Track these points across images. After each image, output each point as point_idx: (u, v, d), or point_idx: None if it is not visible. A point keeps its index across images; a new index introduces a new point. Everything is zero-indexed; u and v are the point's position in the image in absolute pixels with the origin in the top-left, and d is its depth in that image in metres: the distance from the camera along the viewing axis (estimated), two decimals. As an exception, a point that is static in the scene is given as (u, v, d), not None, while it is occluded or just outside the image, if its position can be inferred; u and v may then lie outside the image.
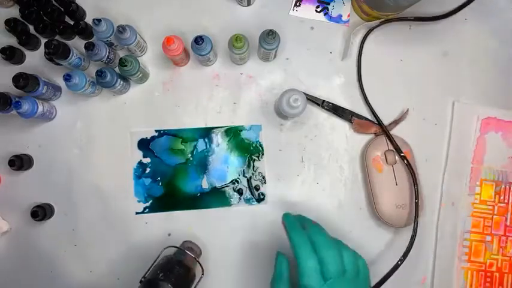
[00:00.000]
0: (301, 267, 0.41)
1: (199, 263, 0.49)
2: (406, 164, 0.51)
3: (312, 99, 0.54)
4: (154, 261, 0.48)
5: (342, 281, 0.41)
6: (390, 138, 0.53)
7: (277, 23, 0.54)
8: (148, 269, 0.47)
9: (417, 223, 0.50)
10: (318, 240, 0.42)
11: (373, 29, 0.55)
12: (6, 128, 0.54)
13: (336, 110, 0.54)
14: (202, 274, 0.49)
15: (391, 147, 0.53)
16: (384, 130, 0.53)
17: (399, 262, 0.47)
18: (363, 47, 0.55)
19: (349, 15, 0.56)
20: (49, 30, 0.53)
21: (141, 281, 0.46)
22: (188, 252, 0.49)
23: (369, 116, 0.55)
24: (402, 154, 0.52)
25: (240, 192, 0.54)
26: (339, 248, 0.43)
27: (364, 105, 0.55)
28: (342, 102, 0.55)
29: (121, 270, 0.53)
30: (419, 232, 0.50)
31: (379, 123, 0.54)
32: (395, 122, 0.54)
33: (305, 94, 0.51)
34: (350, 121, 0.54)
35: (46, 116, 0.52)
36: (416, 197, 0.50)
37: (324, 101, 0.54)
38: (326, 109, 0.54)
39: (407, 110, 0.54)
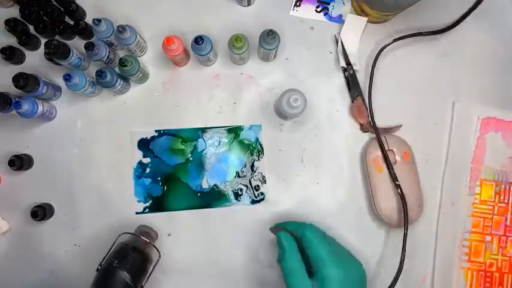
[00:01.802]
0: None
1: (154, 247, 0.49)
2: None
3: (344, 55, 0.54)
4: (110, 249, 0.48)
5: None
6: (377, 134, 0.53)
7: (277, 23, 0.54)
8: (104, 258, 0.47)
9: (407, 220, 0.50)
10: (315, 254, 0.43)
11: (385, 47, 0.54)
12: (6, 128, 0.54)
13: (353, 80, 0.54)
14: (159, 257, 0.49)
15: (391, 148, 0.53)
16: (374, 128, 0.53)
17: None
18: (375, 64, 0.54)
19: (349, 15, 0.56)
20: (49, 30, 0.53)
21: (97, 270, 0.46)
22: (142, 237, 0.49)
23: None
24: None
25: (239, 192, 0.54)
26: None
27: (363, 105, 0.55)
28: (341, 102, 0.55)
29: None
30: (419, 232, 0.50)
31: (371, 116, 0.54)
32: (388, 131, 0.54)
33: (342, 46, 0.52)
34: (352, 100, 0.54)
35: (46, 116, 0.52)
36: (402, 198, 0.51)
37: (349, 64, 0.54)
38: (345, 75, 0.54)
39: (401, 125, 0.54)
